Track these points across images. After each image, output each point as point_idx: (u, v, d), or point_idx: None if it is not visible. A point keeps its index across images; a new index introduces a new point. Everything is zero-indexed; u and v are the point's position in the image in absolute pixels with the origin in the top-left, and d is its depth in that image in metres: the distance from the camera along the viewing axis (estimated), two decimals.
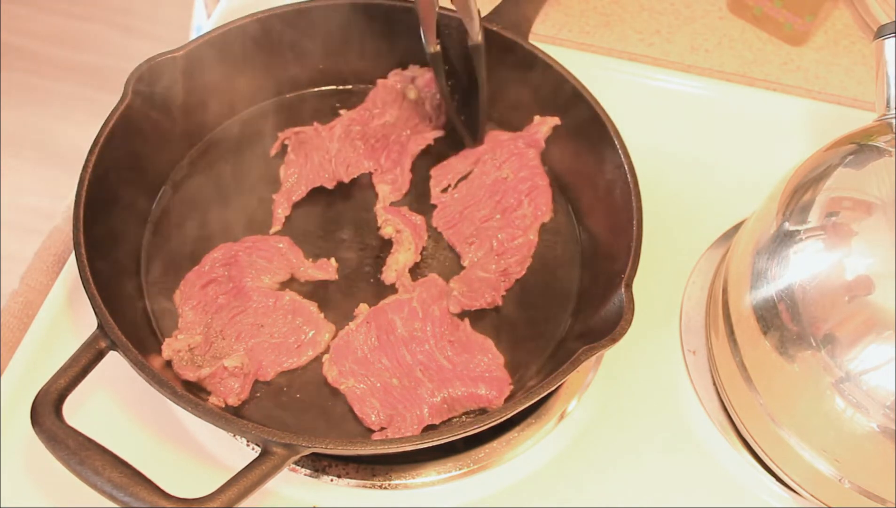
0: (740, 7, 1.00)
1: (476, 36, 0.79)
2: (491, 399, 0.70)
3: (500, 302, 0.77)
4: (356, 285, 0.78)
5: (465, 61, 0.81)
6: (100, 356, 0.66)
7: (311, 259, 0.78)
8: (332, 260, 0.78)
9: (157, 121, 0.80)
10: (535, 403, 0.70)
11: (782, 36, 0.99)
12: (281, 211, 0.81)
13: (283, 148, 0.85)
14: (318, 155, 0.84)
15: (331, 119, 0.86)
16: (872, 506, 0.65)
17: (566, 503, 0.71)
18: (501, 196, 0.82)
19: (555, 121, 0.83)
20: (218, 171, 0.84)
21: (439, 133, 0.86)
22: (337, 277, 0.78)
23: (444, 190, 0.84)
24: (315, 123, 0.85)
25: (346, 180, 0.83)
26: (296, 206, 0.82)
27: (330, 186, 0.83)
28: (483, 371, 0.72)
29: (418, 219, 0.81)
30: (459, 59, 0.82)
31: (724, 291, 0.73)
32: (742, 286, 0.69)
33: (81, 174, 0.72)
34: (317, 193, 0.83)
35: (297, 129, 0.85)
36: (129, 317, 0.71)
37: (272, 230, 0.80)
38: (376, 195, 0.83)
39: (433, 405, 0.70)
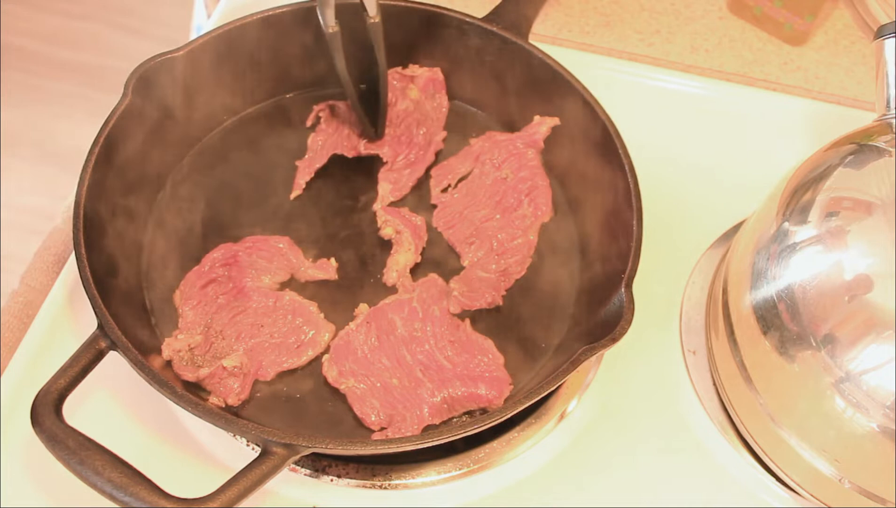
0: (740, 7, 1.00)
1: (373, 11, 0.73)
2: (491, 399, 0.70)
3: (500, 302, 0.77)
4: (356, 285, 0.78)
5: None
6: (100, 356, 0.66)
7: (310, 259, 0.78)
8: (332, 260, 0.78)
9: (156, 121, 0.80)
10: (535, 403, 0.70)
11: (782, 36, 0.99)
12: (302, 178, 0.83)
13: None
14: (348, 128, 0.85)
15: None
16: (872, 506, 0.65)
17: (566, 503, 0.71)
18: (501, 196, 0.82)
19: (554, 121, 0.83)
20: (218, 171, 0.84)
21: (443, 133, 0.86)
22: (337, 276, 0.78)
23: (444, 190, 0.84)
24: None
25: (363, 153, 0.84)
26: (297, 205, 0.82)
27: (350, 155, 0.84)
28: (483, 371, 0.72)
29: (419, 220, 0.81)
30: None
31: (724, 291, 0.73)
32: (742, 286, 0.69)
33: (81, 174, 0.72)
34: (318, 192, 0.83)
35: (331, 102, 0.86)
36: (130, 317, 0.71)
37: (292, 195, 0.82)
38: (377, 194, 0.83)
39: (433, 405, 0.70)
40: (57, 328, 0.76)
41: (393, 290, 0.77)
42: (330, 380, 0.72)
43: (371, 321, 0.74)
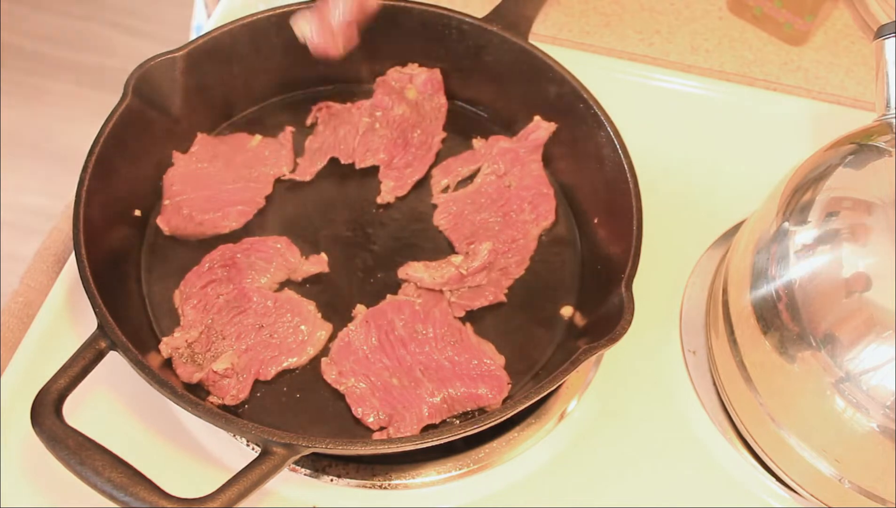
0: (740, 7, 1.00)
1: None
2: (490, 399, 0.70)
3: (503, 299, 0.77)
4: (355, 285, 0.78)
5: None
6: (100, 356, 0.66)
7: (304, 257, 0.78)
8: (323, 254, 0.78)
9: (156, 121, 0.80)
10: (535, 403, 0.70)
11: (782, 36, 0.99)
12: (302, 178, 0.83)
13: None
14: (344, 129, 0.85)
15: None
16: (872, 506, 0.65)
17: (566, 503, 0.71)
18: (504, 202, 0.82)
19: (551, 127, 0.83)
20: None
21: (442, 134, 0.86)
22: (328, 269, 0.78)
23: (445, 190, 0.84)
24: (347, 103, 0.87)
25: (358, 166, 0.84)
26: (296, 205, 0.82)
27: (345, 160, 0.84)
28: (483, 371, 0.72)
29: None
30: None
31: (724, 291, 0.73)
32: (742, 286, 0.69)
33: (81, 174, 0.72)
34: (318, 192, 0.83)
35: (329, 103, 0.87)
36: (129, 317, 0.71)
37: (290, 194, 0.82)
38: (379, 192, 0.83)
39: (433, 404, 0.70)
40: (57, 328, 0.76)
41: (392, 290, 0.77)
42: (330, 380, 0.72)
43: (371, 321, 0.74)
